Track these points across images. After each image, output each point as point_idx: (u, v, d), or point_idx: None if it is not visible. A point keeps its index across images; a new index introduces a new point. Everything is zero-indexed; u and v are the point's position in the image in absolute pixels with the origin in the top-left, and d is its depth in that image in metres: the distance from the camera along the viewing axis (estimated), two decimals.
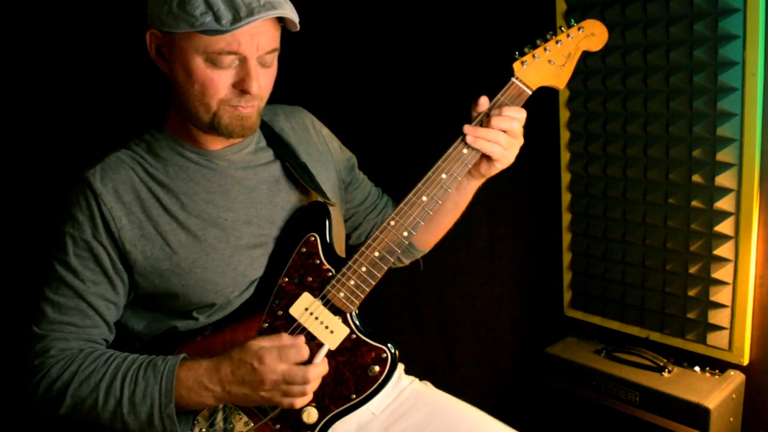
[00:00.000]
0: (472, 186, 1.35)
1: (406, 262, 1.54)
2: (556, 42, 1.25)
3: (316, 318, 1.17)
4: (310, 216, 1.24)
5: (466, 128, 1.21)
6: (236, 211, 1.22)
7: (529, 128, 1.25)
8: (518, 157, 1.27)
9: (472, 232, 2.22)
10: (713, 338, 1.84)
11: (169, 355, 1.14)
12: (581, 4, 1.94)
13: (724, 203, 1.74)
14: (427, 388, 1.46)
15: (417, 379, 1.48)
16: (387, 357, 1.17)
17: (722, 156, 1.72)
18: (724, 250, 1.77)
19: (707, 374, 1.85)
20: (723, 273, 1.78)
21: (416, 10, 2.08)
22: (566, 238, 2.19)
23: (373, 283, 1.18)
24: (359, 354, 1.17)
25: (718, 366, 1.86)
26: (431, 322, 2.31)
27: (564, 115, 2.09)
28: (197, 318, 1.20)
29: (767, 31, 1.59)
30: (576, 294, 2.21)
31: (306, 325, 1.17)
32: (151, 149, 1.22)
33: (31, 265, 1.23)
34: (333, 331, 1.16)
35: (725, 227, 1.75)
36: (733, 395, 1.79)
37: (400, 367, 1.49)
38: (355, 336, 1.17)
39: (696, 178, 1.78)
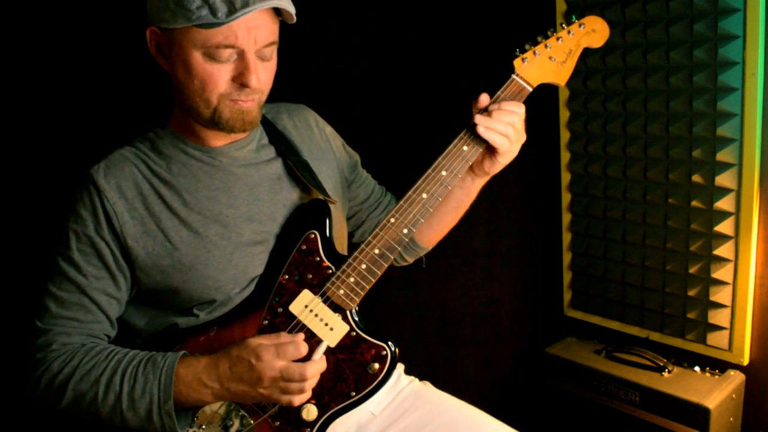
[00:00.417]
0: (477, 184, 1.35)
1: (410, 260, 1.54)
2: (557, 38, 1.25)
3: (316, 315, 1.17)
4: (310, 213, 1.25)
5: (478, 118, 1.19)
6: (238, 208, 1.22)
7: (529, 128, 1.26)
8: (518, 157, 1.28)
9: (473, 232, 2.23)
10: (713, 338, 1.84)
11: (170, 351, 1.14)
12: (581, 3, 1.94)
13: (724, 203, 1.74)
14: (426, 387, 1.46)
15: (416, 379, 1.48)
16: (387, 354, 1.17)
17: (722, 156, 1.72)
18: (724, 250, 1.77)
19: (707, 374, 1.85)
20: (723, 273, 1.78)
21: (417, 11, 2.09)
22: (566, 238, 2.19)
23: (373, 280, 1.18)
24: (359, 351, 1.17)
25: (718, 366, 1.86)
26: (431, 322, 2.31)
27: (564, 115, 2.10)
28: (198, 314, 1.20)
29: (767, 31, 1.59)
30: (576, 294, 2.21)
31: (306, 322, 1.17)
32: (155, 146, 1.22)
33: (36, 261, 1.24)
34: (333, 329, 1.16)
35: (725, 227, 1.75)
36: (733, 395, 1.78)
37: (400, 367, 1.49)
38: (354, 333, 1.17)
39: (696, 178, 1.78)
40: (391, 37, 2.10)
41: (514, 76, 1.23)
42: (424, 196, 1.20)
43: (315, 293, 1.18)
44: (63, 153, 1.68)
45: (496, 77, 1.26)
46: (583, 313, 2.19)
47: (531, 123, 1.25)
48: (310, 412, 1.16)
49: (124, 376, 1.10)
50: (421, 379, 1.49)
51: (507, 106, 1.21)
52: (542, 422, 2.10)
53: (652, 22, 1.80)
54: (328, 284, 1.18)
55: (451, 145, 1.21)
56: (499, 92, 1.24)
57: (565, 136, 2.11)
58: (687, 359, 1.91)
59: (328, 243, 1.21)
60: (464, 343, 2.32)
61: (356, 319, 1.18)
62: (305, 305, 1.18)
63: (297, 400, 1.10)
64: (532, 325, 2.33)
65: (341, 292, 1.17)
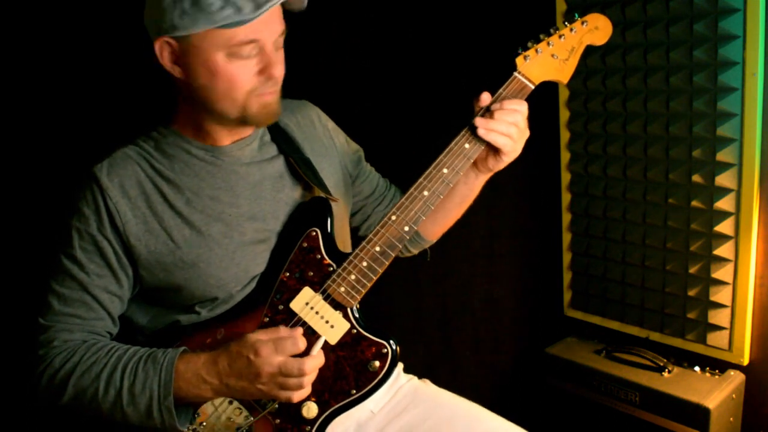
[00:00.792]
0: (480, 180, 1.35)
1: (414, 251, 1.54)
2: (560, 36, 1.25)
3: (317, 312, 1.17)
4: (311, 211, 1.25)
5: (478, 121, 1.19)
6: (240, 207, 1.22)
7: (529, 128, 1.25)
8: (518, 157, 1.27)
9: (473, 232, 2.23)
10: (713, 338, 1.84)
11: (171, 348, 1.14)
12: (581, 3, 1.94)
13: (724, 203, 1.74)
14: (425, 385, 1.46)
15: (415, 377, 1.48)
16: (387, 352, 1.17)
17: (722, 156, 1.72)
18: (724, 250, 1.77)
19: (707, 374, 1.85)
20: (723, 273, 1.78)
21: (417, 11, 2.09)
22: (566, 238, 2.19)
23: (374, 277, 1.18)
24: (359, 349, 1.17)
25: (718, 366, 1.86)
26: (431, 322, 2.31)
27: (564, 115, 2.10)
28: (199, 312, 1.21)
29: (767, 31, 1.60)
30: (576, 294, 2.21)
31: (306, 319, 1.17)
32: (158, 145, 1.22)
33: (39, 258, 1.24)
34: (333, 326, 1.16)
35: (725, 227, 1.75)
36: (733, 395, 1.78)
37: (399, 365, 1.49)
38: (355, 331, 1.17)
39: (696, 178, 1.78)
40: (391, 37, 2.10)
41: (516, 73, 1.23)
42: (426, 193, 1.20)
43: (316, 290, 1.18)
44: (66, 151, 1.68)
45: (497, 76, 1.26)
46: (583, 313, 2.19)
47: (531, 123, 1.25)
48: (311, 410, 1.16)
49: (124, 372, 1.10)
50: (420, 378, 1.49)
51: (509, 104, 1.20)
52: (542, 422, 2.09)
53: (652, 22, 1.80)
54: (329, 281, 1.18)
55: (453, 143, 1.21)
56: (500, 90, 1.23)
57: (565, 136, 2.12)
58: (687, 359, 1.91)
59: (330, 240, 1.21)
60: (464, 343, 2.32)
61: (357, 316, 1.18)
62: (306, 302, 1.17)
63: (296, 396, 1.09)
64: (532, 325, 2.33)
65: (342, 289, 1.17)
